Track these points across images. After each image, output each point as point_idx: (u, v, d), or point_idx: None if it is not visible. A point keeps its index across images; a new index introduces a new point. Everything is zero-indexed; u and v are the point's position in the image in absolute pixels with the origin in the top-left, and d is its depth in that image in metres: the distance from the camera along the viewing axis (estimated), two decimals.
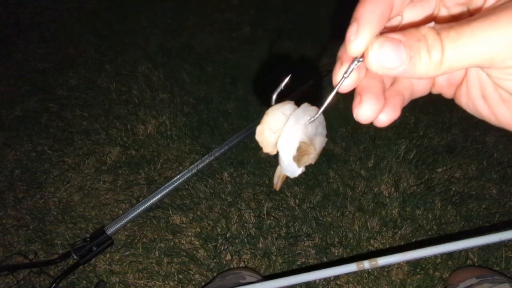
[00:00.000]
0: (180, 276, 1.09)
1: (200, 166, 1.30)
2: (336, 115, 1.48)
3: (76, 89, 1.71)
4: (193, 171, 1.28)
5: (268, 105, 0.31)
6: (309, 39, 1.92)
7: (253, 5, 2.26)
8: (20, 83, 1.75)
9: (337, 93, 0.25)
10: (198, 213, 1.23)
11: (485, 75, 0.25)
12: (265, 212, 1.22)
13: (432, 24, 0.24)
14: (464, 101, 0.27)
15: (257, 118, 1.46)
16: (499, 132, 1.38)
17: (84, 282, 1.08)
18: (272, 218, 1.21)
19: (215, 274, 1.09)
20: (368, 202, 1.22)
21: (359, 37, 0.20)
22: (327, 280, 1.05)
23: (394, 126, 1.47)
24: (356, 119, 0.23)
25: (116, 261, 1.13)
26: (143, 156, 1.41)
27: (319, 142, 0.31)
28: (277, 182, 0.34)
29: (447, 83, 0.27)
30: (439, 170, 1.32)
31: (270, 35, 2.01)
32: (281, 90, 0.31)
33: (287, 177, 0.33)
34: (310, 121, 0.29)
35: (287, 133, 0.29)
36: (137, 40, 2.00)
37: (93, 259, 1.12)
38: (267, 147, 0.30)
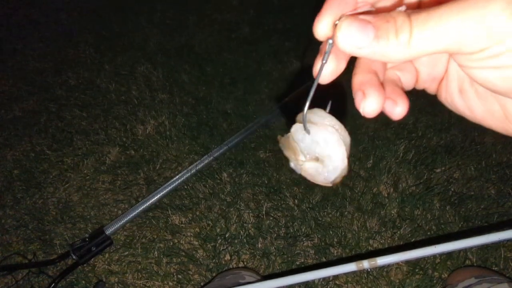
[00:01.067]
0: (179, 276, 1.09)
1: (199, 166, 1.30)
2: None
3: (75, 89, 1.71)
4: (192, 171, 1.28)
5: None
6: (308, 39, 1.93)
7: (252, 5, 2.27)
8: (19, 83, 1.75)
9: (320, 85, 0.26)
10: (197, 213, 1.23)
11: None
12: (264, 212, 1.22)
13: (404, 8, 0.24)
14: (443, 96, 0.27)
15: (256, 118, 1.46)
16: (497, 133, 1.38)
17: (83, 282, 1.08)
18: (271, 218, 1.21)
19: (214, 274, 1.09)
20: (367, 202, 1.23)
21: (322, 18, 0.22)
22: (326, 280, 1.05)
23: (393, 126, 1.47)
24: (363, 115, 0.23)
25: (115, 261, 1.13)
26: (142, 156, 1.41)
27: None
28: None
29: (429, 78, 0.27)
30: (438, 170, 1.32)
31: (270, 36, 2.01)
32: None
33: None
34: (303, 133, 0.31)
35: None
36: (136, 40, 2.00)
37: (92, 259, 1.12)
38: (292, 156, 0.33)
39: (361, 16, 0.21)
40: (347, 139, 0.31)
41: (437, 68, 0.27)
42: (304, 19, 2.09)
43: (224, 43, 1.98)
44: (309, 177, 0.34)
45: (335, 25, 0.22)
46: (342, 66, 0.25)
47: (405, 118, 1.50)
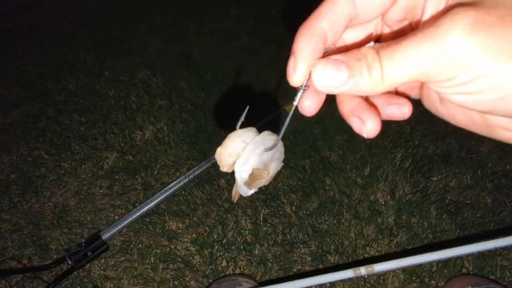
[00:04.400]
0: (176, 283, 1.09)
1: (197, 172, 1.30)
2: (332, 123, 1.50)
3: (74, 95, 1.71)
4: (190, 177, 1.28)
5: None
6: None
7: (251, 15, 2.29)
8: (18, 88, 1.76)
9: (296, 117, 0.27)
10: (195, 219, 1.23)
11: None
12: (261, 219, 1.22)
13: (372, 43, 0.26)
14: (426, 103, 0.28)
15: (255, 125, 1.47)
16: (493, 142, 1.40)
17: (79, 287, 1.07)
18: (268, 225, 1.21)
19: (210, 281, 1.08)
20: (364, 210, 1.23)
21: (297, 70, 0.23)
22: (323, 287, 1.05)
23: (390, 135, 1.48)
24: (367, 137, 0.25)
25: (111, 266, 1.12)
26: (140, 161, 1.41)
27: (274, 166, 0.35)
28: (235, 195, 0.38)
29: (406, 87, 0.28)
30: (435, 178, 1.33)
31: (268, 45, 2.03)
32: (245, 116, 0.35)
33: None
34: (265, 150, 0.33)
35: (243, 160, 0.33)
36: (136, 47, 2.02)
37: (88, 265, 1.11)
38: (223, 167, 0.34)
39: (333, 56, 0.22)
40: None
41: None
42: None
43: (223, 51, 2.00)
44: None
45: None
46: (322, 97, 0.26)
47: (402, 127, 1.52)
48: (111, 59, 1.91)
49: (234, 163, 0.34)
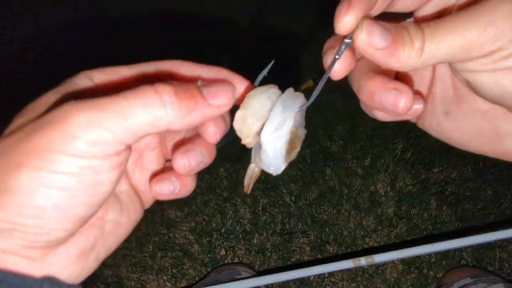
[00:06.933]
0: (174, 271, 1.09)
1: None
2: (333, 113, 1.48)
3: None
4: None
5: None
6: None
7: None
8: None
9: (321, 102, 0.25)
10: (193, 207, 1.22)
11: (450, 90, 0.26)
12: (260, 208, 1.21)
13: (412, 19, 0.26)
14: (427, 121, 0.28)
15: None
16: None
17: None
18: (267, 214, 1.21)
19: (209, 269, 1.08)
20: (364, 201, 1.22)
21: (349, 15, 0.21)
22: (322, 277, 1.05)
23: (391, 125, 1.47)
24: (402, 112, 0.23)
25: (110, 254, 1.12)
26: None
27: (302, 134, 0.28)
28: (249, 183, 0.30)
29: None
30: (435, 170, 1.32)
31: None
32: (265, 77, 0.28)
33: (268, 175, 0.29)
34: (300, 108, 0.26)
35: (276, 122, 0.25)
36: None
37: None
38: (248, 137, 0.27)
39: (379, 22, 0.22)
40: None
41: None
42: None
43: None
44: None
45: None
46: (353, 65, 0.25)
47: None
48: None
49: (258, 132, 0.26)
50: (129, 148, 0.22)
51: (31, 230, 0.20)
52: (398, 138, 1.42)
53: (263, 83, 0.28)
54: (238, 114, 0.26)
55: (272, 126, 0.25)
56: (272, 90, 0.26)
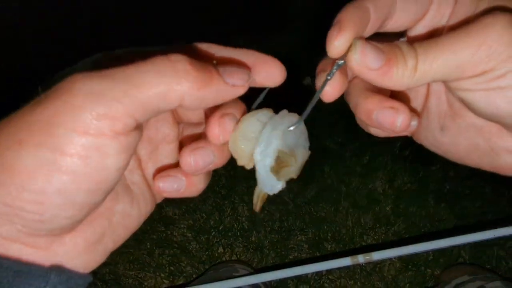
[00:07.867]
0: (172, 268, 1.08)
1: None
2: (332, 110, 1.48)
3: None
4: None
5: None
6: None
7: None
8: None
9: (320, 101, 0.26)
10: (191, 205, 1.22)
11: (445, 106, 0.26)
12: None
13: (405, 38, 0.26)
14: (423, 135, 0.28)
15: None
16: None
17: None
18: (265, 212, 1.21)
19: (206, 267, 1.08)
20: (362, 198, 1.22)
21: (340, 38, 0.21)
22: (320, 274, 1.05)
23: None
24: (399, 129, 0.24)
25: None
26: None
27: (301, 154, 0.28)
28: (257, 202, 0.31)
29: None
30: (434, 168, 1.32)
31: None
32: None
33: (268, 196, 0.30)
34: (289, 128, 0.27)
35: (264, 141, 0.26)
36: None
37: None
38: (242, 158, 0.27)
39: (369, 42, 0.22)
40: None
41: (416, 104, 0.29)
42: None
43: None
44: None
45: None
46: (345, 87, 0.25)
47: None
48: None
49: (252, 153, 0.27)
50: (138, 129, 0.20)
51: (32, 217, 0.19)
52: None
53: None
54: (231, 136, 0.27)
55: (261, 146, 0.26)
56: (263, 113, 0.27)
